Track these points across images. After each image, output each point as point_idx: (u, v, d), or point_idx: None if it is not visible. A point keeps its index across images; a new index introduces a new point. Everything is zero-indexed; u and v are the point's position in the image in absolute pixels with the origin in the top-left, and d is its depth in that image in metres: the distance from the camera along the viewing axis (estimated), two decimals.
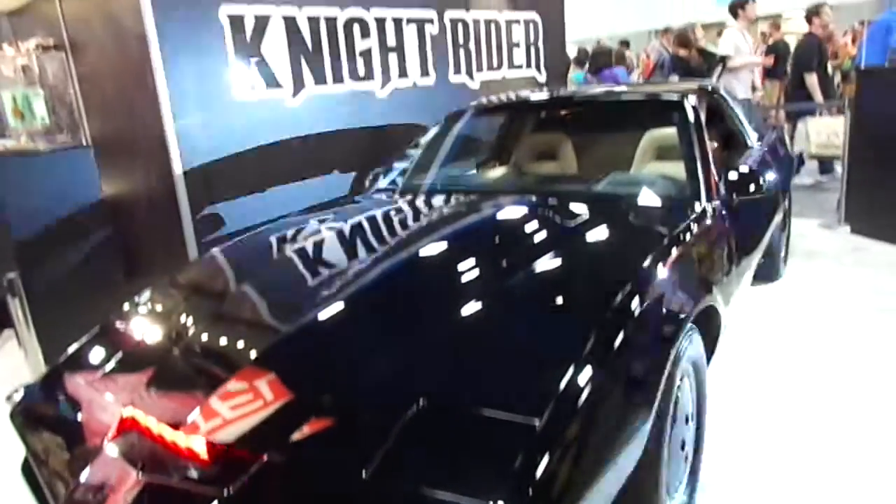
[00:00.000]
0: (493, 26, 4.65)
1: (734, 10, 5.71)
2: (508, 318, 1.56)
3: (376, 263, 1.96)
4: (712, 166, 2.27)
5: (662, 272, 1.69)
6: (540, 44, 5.06)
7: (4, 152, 3.13)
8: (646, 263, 1.69)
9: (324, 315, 1.64)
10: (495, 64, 4.73)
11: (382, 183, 3.04)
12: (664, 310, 1.62)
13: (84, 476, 1.41)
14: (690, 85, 3.00)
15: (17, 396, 3.08)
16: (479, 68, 4.61)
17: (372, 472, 1.14)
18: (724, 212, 2.18)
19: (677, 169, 2.39)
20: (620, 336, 1.41)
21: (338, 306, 1.68)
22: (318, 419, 1.30)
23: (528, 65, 5.00)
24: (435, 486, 1.10)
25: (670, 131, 2.57)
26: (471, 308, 1.60)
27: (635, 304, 1.52)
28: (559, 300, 1.63)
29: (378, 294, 1.78)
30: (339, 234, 2.39)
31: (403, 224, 2.50)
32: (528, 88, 4.83)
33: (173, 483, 1.29)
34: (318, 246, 2.33)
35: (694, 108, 2.46)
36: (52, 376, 1.86)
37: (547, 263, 1.79)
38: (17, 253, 3.10)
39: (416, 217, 2.50)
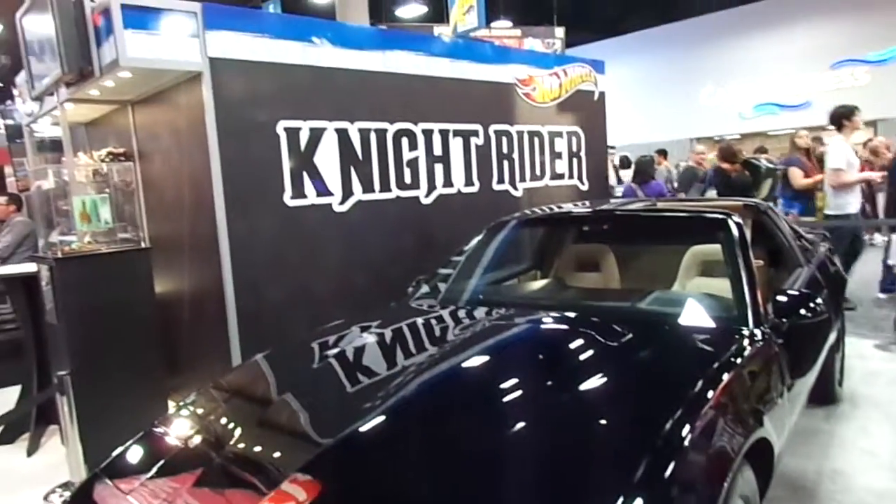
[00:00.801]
0: (536, 138, 4.82)
1: (838, 121, 5.34)
2: (554, 439, 1.53)
3: (418, 375, 1.96)
4: (758, 288, 2.23)
5: (712, 400, 1.64)
6: (582, 154, 5.20)
7: (69, 253, 3.29)
8: (695, 390, 1.65)
9: (367, 427, 1.64)
10: (538, 173, 4.87)
11: (424, 289, 3.08)
12: (714, 442, 1.56)
13: None
14: (736, 202, 3.02)
15: (57, 494, 3.10)
16: (523, 178, 4.74)
17: None
18: (773, 336, 2.13)
19: (723, 286, 2.36)
20: (671, 467, 1.35)
21: (380, 419, 1.68)
22: None
23: (571, 175, 5.13)
24: None
25: (715, 247, 2.57)
26: (514, 428, 1.58)
27: (685, 432, 1.47)
28: (606, 424, 1.59)
29: (420, 408, 1.78)
30: (382, 343, 2.41)
31: (445, 336, 2.52)
32: (570, 199, 4.93)
33: None
34: (362, 355, 2.35)
35: (739, 226, 2.46)
36: (93, 483, 1.85)
37: (592, 384, 1.77)
38: (70, 351, 3.19)
39: (458, 329, 2.51)
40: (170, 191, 3.81)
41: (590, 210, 3.47)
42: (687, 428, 1.48)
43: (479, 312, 2.60)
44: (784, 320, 2.18)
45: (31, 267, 3.69)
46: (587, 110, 5.27)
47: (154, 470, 1.78)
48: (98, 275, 3.27)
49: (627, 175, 8.08)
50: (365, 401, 1.79)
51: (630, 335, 2.13)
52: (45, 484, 3.21)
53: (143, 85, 3.52)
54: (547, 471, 1.41)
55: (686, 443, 1.45)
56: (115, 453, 1.96)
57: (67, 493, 3.05)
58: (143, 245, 3.63)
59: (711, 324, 2.20)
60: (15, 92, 5.87)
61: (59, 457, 3.55)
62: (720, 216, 2.56)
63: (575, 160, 5.19)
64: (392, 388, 1.87)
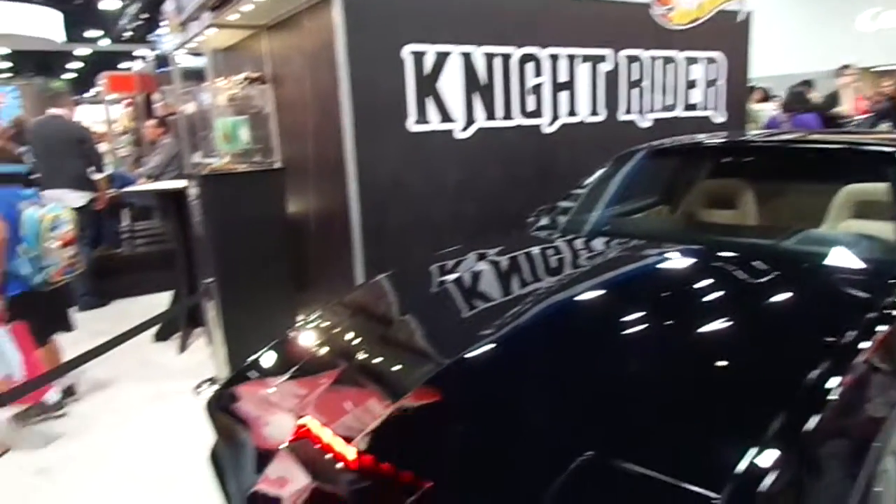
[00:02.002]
0: (669, 65, 4.51)
1: None
2: (681, 382, 1.47)
3: (536, 304, 1.95)
4: None
5: (867, 351, 1.50)
6: (720, 83, 4.82)
7: (213, 171, 3.54)
8: (847, 338, 1.52)
9: (485, 352, 1.66)
10: (669, 103, 4.58)
11: (544, 221, 3.04)
12: (867, 397, 1.44)
13: (263, 473, 1.53)
14: None
15: (205, 388, 3.44)
16: (652, 108, 4.48)
17: None
18: None
19: (882, 229, 2.14)
20: (814, 420, 1.26)
21: (498, 345, 1.69)
22: (481, 456, 1.32)
23: (706, 105, 4.78)
24: None
25: (877, 186, 2.31)
26: (638, 366, 1.54)
27: (832, 384, 1.36)
28: (741, 370, 1.50)
29: (537, 337, 1.77)
30: (501, 270, 2.42)
31: (566, 266, 2.48)
32: (704, 131, 4.61)
33: (340, 493, 1.36)
34: (482, 280, 2.37)
35: None
36: (241, 377, 2.04)
37: (726, 325, 1.67)
38: (214, 261, 3.48)
39: (580, 260, 2.47)
40: (301, 114, 3.95)
41: (728, 141, 3.23)
42: (835, 380, 1.37)
43: (602, 244, 2.53)
44: None
45: (181, 184, 4.02)
46: (729, 33, 4.83)
47: (290, 372, 1.93)
48: (238, 192, 3.50)
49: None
50: (484, 325, 1.81)
51: (773, 275, 1.99)
52: (194, 377, 3.59)
53: (278, 8, 3.62)
54: (673, 411, 1.36)
55: (833, 396, 1.34)
56: (256, 355, 2.13)
57: (214, 387, 3.39)
58: (276, 166, 3.83)
59: (870, 267, 1.98)
60: (162, 22, 6.24)
61: (205, 355, 3.95)
62: (891, 149, 2.29)
63: (712, 89, 4.81)
64: (511, 315, 1.87)
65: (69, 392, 3.47)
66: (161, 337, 4.39)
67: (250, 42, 4.43)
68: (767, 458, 1.16)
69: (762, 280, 1.99)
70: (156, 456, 2.85)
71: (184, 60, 5.22)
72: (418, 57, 3.49)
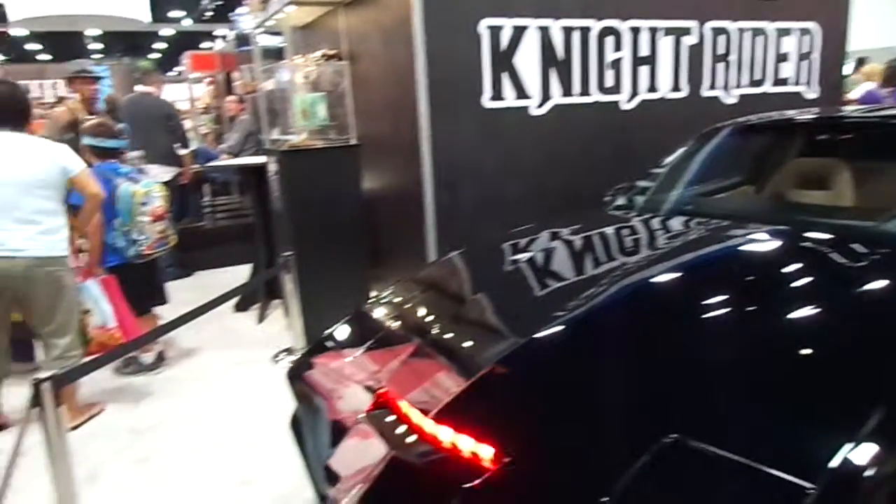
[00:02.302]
0: (759, 37, 4.28)
1: None
2: (771, 368, 1.39)
3: (612, 284, 1.90)
4: None
5: None
6: (814, 56, 4.53)
7: (292, 147, 3.63)
8: None
9: (560, 331, 1.64)
10: (757, 78, 4.35)
11: (621, 200, 2.96)
12: None
13: (342, 440, 1.58)
14: None
15: (282, 359, 3.57)
16: (738, 83, 4.27)
17: (612, 499, 1.11)
18: None
19: None
20: None
21: (573, 324, 1.66)
22: (558, 432, 1.31)
23: (798, 80, 4.52)
24: None
25: None
26: (724, 350, 1.47)
27: None
28: (838, 358, 1.41)
29: (614, 318, 1.72)
30: (575, 249, 2.38)
31: (644, 246, 2.41)
32: (794, 108, 4.36)
33: (418, 465, 1.38)
34: (554, 260, 2.34)
35: None
36: (320, 347, 2.09)
37: (820, 311, 1.58)
38: (293, 235, 3.58)
39: (659, 240, 2.39)
40: (376, 91, 3.99)
41: (821, 117, 3.04)
42: None
43: (683, 224, 2.44)
44: None
45: (261, 159, 4.14)
46: (826, 2, 4.53)
47: (366, 345, 1.97)
48: (316, 168, 3.58)
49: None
50: (559, 304, 1.78)
51: (872, 258, 1.87)
52: (272, 347, 3.73)
53: None
54: (763, 397, 1.30)
55: None
56: (333, 327, 2.18)
57: (291, 356, 3.52)
58: (352, 142, 3.88)
59: None
60: (242, 2, 6.40)
61: (282, 326, 4.09)
62: None
63: (805, 63, 4.53)
64: (587, 295, 1.83)
65: (160, 357, 3.68)
66: (241, 308, 4.57)
67: (327, 19, 4.48)
68: (866, 452, 1.09)
69: (860, 263, 1.87)
70: (237, 420, 2.99)
71: (263, 39, 5.35)
72: (495, 31, 3.44)
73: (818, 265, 1.89)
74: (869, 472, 1.07)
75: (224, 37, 10.88)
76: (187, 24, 23.15)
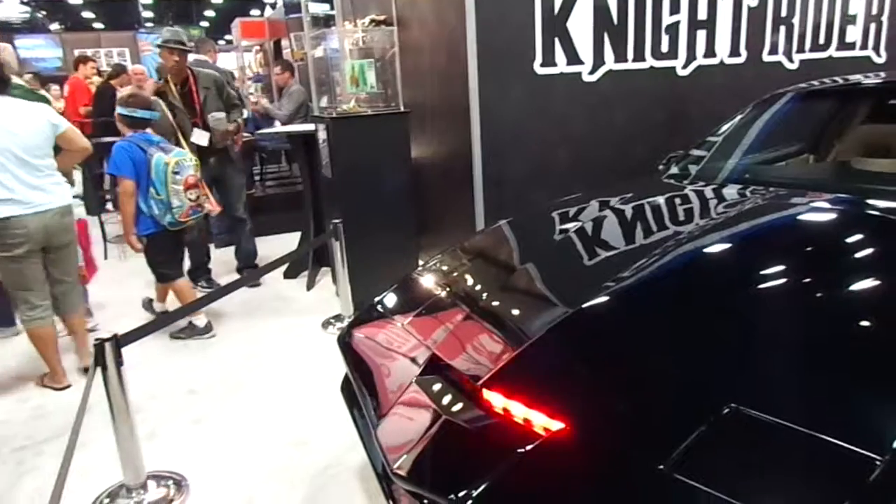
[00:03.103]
0: None
1: None
2: (834, 339, 1.36)
3: (666, 253, 1.86)
4: None
5: None
6: (884, 18, 4.29)
7: (342, 113, 3.65)
8: None
9: (613, 301, 1.62)
10: (821, 42, 4.15)
11: (675, 169, 2.89)
12: None
13: (395, 404, 1.61)
14: None
15: (332, 325, 3.64)
16: (801, 48, 4.08)
17: (669, 467, 1.11)
18: None
19: None
20: None
21: (626, 294, 1.64)
22: (616, 402, 1.31)
23: (865, 44, 4.29)
24: (741, 497, 1.02)
25: None
26: (785, 320, 1.44)
27: None
28: None
29: (668, 288, 1.70)
30: (628, 218, 2.33)
31: (699, 215, 2.35)
32: (862, 72, 4.15)
33: (471, 430, 1.40)
34: (605, 229, 2.31)
35: None
36: (371, 312, 2.13)
37: (885, 282, 1.53)
38: (342, 202, 3.62)
39: (714, 208, 2.33)
40: (425, 57, 3.96)
41: (887, 81, 2.88)
42: None
43: (739, 193, 2.37)
44: None
45: (309, 127, 4.18)
46: None
47: (415, 312, 1.99)
48: (364, 135, 3.60)
49: None
50: (610, 274, 1.76)
51: None
52: (321, 314, 3.81)
53: None
54: (825, 368, 1.27)
55: None
56: (382, 295, 2.21)
57: (340, 323, 3.59)
58: (401, 109, 3.87)
59: None
60: None
61: (330, 293, 4.17)
62: None
63: (873, 25, 4.30)
64: (640, 265, 1.80)
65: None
66: (290, 275, 4.67)
67: None
68: None
69: None
70: (289, 384, 3.08)
71: (312, 6, 5.35)
72: None
73: (882, 234, 1.82)
74: None
75: (273, 4, 10.91)
76: None
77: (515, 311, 1.85)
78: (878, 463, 1.00)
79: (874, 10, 4.26)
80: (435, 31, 3.76)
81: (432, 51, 3.84)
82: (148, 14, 23.67)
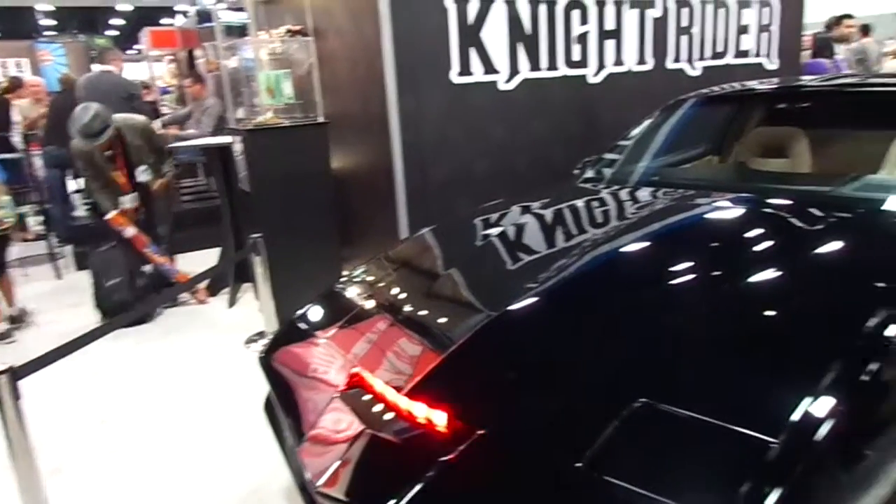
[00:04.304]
0: (721, 9, 4.31)
1: None
2: (735, 330, 1.45)
3: (582, 256, 1.93)
4: None
5: None
6: (774, 28, 4.60)
7: (258, 125, 3.57)
8: None
9: (533, 303, 1.67)
10: (720, 50, 4.40)
11: (589, 173, 2.99)
12: None
13: (317, 420, 1.59)
14: None
15: (255, 342, 3.55)
16: (702, 55, 4.32)
17: (585, 464, 1.14)
18: None
19: None
20: (873, 367, 1.25)
21: (545, 296, 1.69)
22: (531, 403, 1.34)
23: (758, 52, 4.58)
24: (651, 488, 1.07)
25: None
26: (690, 314, 1.52)
27: (892, 331, 1.33)
28: (797, 317, 1.48)
29: (585, 288, 1.76)
30: (546, 222, 2.40)
31: (612, 217, 2.45)
32: (757, 78, 4.43)
33: (394, 441, 1.40)
34: (525, 233, 2.36)
35: None
36: (292, 329, 2.09)
37: (779, 273, 1.64)
38: (262, 216, 3.54)
39: (627, 211, 2.43)
40: (343, 67, 3.93)
41: (781, 87, 3.10)
42: (894, 328, 1.34)
43: (650, 195, 2.48)
44: None
45: (225, 139, 4.07)
46: None
47: (339, 324, 1.97)
48: (283, 147, 3.54)
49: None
50: (531, 277, 1.81)
51: (828, 222, 1.94)
52: (244, 331, 3.71)
53: None
54: (728, 358, 1.35)
55: (893, 343, 1.31)
56: (304, 308, 2.18)
57: (264, 340, 3.50)
58: (320, 120, 3.83)
59: None
60: None
61: (254, 310, 4.06)
62: None
63: (764, 35, 4.59)
64: (557, 267, 1.86)
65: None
66: (210, 292, 4.52)
67: None
68: (824, 406, 1.14)
69: (817, 227, 1.94)
70: (210, 405, 2.98)
71: (225, 15, 5.22)
72: (461, 5, 3.42)
73: (778, 230, 1.95)
74: (827, 424, 1.12)
75: (185, 13, 10.57)
76: None
77: (438, 319, 1.86)
78: (773, 444, 1.07)
79: (765, 21, 4.55)
80: (352, 41, 3.74)
81: (350, 61, 3.82)
82: (49, 22, 22.43)
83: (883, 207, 1.97)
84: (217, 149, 4.18)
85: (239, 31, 5.26)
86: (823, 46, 6.16)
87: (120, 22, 23.75)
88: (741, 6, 4.41)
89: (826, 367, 1.22)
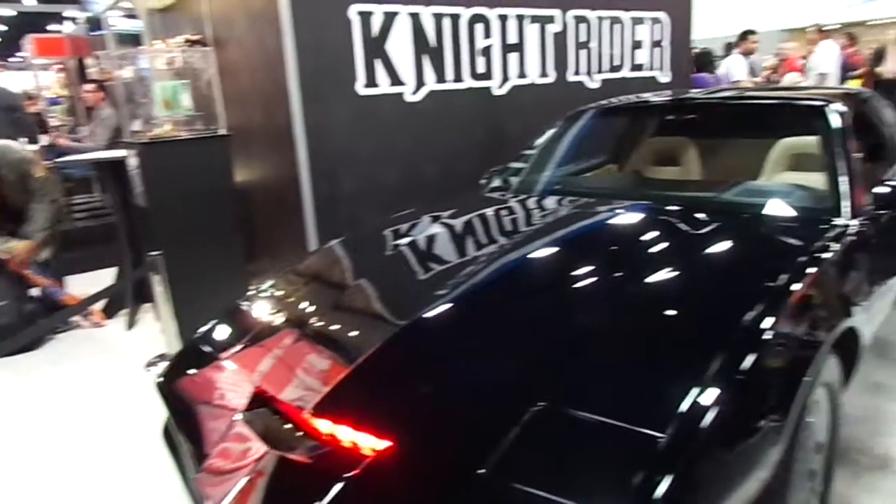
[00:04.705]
0: (616, 25, 4.53)
1: None
2: (628, 330, 1.52)
3: (489, 264, 1.98)
4: (859, 180, 2.10)
5: (798, 291, 1.59)
6: (665, 44, 4.87)
7: (153, 138, 3.41)
8: (780, 281, 1.60)
9: (439, 312, 1.68)
10: (617, 64, 4.61)
11: (496, 182, 3.05)
12: (798, 332, 1.53)
13: (218, 445, 1.52)
14: (835, 90, 2.79)
15: (156, 365, 3.37)
16: (600, 69, 4.51)
17: (488, 471, 1.16)
18: (869, 228, 2.02)
19: (814, 180, 2.24)
20: (750, 358, 1.33)
21: (452, 305, 1.71)
22: (437, 413, 1.34)
23: (651, 66, 4.84)
24: (550, 489, 1.10)
25: (809, 140, 2.41)
26: (587, 317, 1.58)
27: (767, 324, 1.43)
28: (683, 315, 1.57)
29: (491, 296, 1.80)
30: (453, 232, 2.43)
31: (517, 225, 2.51)
32: (652, 90, 4.68)
33: (297, 460, 1.36)
34: (433, 243, 2.38)
35: (841, 114, 2.29)
36: (191, 350, 2.00)
37: (668, 275, 1.74)
38: (160, 233, 3.37)
39: (531, 219, 2.50)
40: (245, 78, 3.83)
41: (671, 99, 3.29)
42: (769, 320, 1.44)
43: (553, 203, 2.57)
44: (883, 212, 2.06)
45: (119, 153, 3.86)
46: None
47: (243, 342, 1.90)
48: (182, 160, 3.39)
49: None
50: (438, 286, 1.82)
51: (712, 225, 2.07)
52: (144, 354, 3.50)
53: None
54: (621, 358, 1.42)
55: (767, 335, 1.41)
56: (206, 327, 2.10)
57: (165, 362, 3.33)
58: (221, 132, 3.71)
59: (802, 215, 2.09)
60: None
61: (154, 331, 3.86)
62: (819, 104, 2.38)
63: (657, 50, 4.87)
64: (465, 275, 1.89)
65: None
66: (108, 314, 4.26)
67: (189, 2, 4.24)
68: (708, 396, 1.22)
69: (703, 231, 2.07)
70: (106, 436, 2.80)
71: (118, 22, 4.98)
72: (365, 17, 3.41)
73: (669, 235, 2.06)
74: (712, 414, 1.18)
75: (74, 19, 9.98)
76: (30, 4, 20.99)
77: (346, 331, 1.84)
78: (660, 439, 1.12)
79: (657, 37, 4.82)
80: (254, 52, 3.65)
81: (253, 72, 3.73)
82: None
83: (762, 212, 2.13)
84: (110, 163, 3.95)
85: (134, 40, 5.03)
86: (706, 62, 6.60)
87: (1, 28, 22.14)
88: (635, 23, 4.65)
89: (709, 361, 1.30)
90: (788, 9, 14.05)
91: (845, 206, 2.03)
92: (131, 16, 5.17)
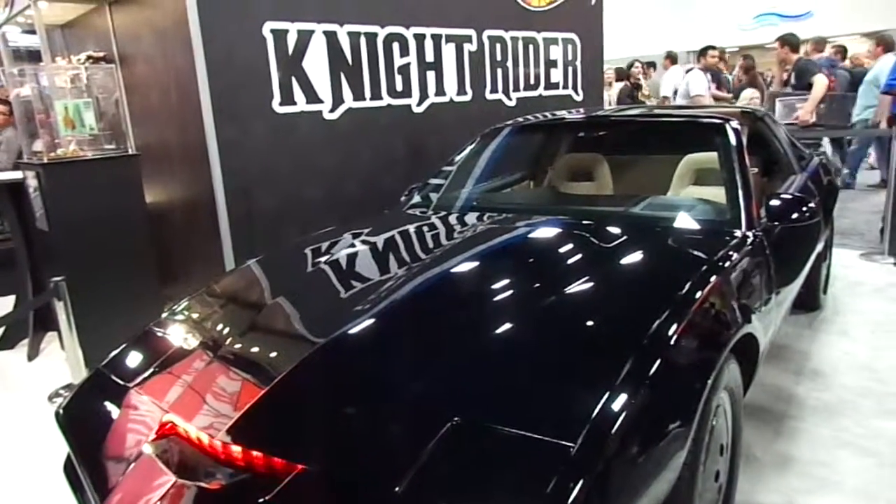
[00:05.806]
0: (531, 45, 4.68)
1: None
2: (542, 341, 1.55)
3: (408, 280, 1.97)
4: (753, 193, 2.24)
5: (701, 299, 1.67)
6: (578, 63, 5.07)
7: (56, 159, 3.24)
8: (683, 290, 1.68)
9: (358, 329, 1.65)
10: (532, 83, 4.76)
11: (416, 199, 3.07)
12: (702, 337, 1.60)
13: (124, 477, 1.44)
14: (734, 108, 2.98)
15: (60, 396, 3.17)
16: (517, 87, 4.64)
17: (404, 489, 1.15)
18: (764, 239, 2.15)
19: (717, 194, 2.36)
20: (656, 364, 1.39)
21: (370, 321, 1.69)
22: (352, 432, 1.32)
23: (566, 84, 5.02)
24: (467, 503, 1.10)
25: (710, 155, 2.55)
26: (503, 330, 1.60)
27: (672, 331, 1.50)
28: (593, 325, 1.62)
29: (409, 312, 1.79)
30: (373, 249, 2.41)
31: (437, 242, 2.52)
32: (567, 108, 4.84)
33: (210, 488, 1.31)
34: (352, 260, 2.35)
35: (736, 131, 2.44)
36: (96, 379, 1.90)
37: (581, 287, 1.78)
38: (63, 257, 3.19)
39: (450, 235, 2.51)
40: (155, 96, 3.71)
41: (584, 117, 3.41)
42: (674, 326, 1.51)
43: (472, 219, 2.60)
44: (776, 223, 2.20)
45: (16, 174, 3.63)
46: (584, 16, 5.09)
47: (152, 368, 1.82)
48: (87, 182, 3.23)
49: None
50: (358, 303, 1.81)
51: (622, 238, 2.15)
52: (47, 386, 3.29)
53: None
54: (533, 370, 1.44)
55: (672, 340, 1.47)
56: (113, 353, 1.99)
57: (69, 393, 3.13)
58: (130, 152, 3.56)
59: (704, 227, 2.21)
60: None
61: (59, 361, 3.62)
62: (718, 121, 2.53)
63: (570, 69, 5.06)
64: (384, 292, 1.87)
65: None
66: (6, 345, 3.98)
67: (93, 17, 4.08)
68: (617, 402, 1.25)
69: (615, 243, 2.14)
70: (5, 473, 2.60)
71: (14, 37, 4.71)
72: (280, 35, 3.37)
73: (581, 248, 2.13)
74: (620, 420, 1.22)
75: None
76: None
77: (262, 352, 1.79)
78: (571, 448, 1.15)
79: (569, 57, 5.01)
80: (163, 69, 3.54)
81: (163, 90, 3.61)
82: None
83: (668, 225, 2.24)
84: (6, 185, 3.71)
85: (33, 56, 4.78)
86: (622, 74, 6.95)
87: None
88: (549, 43, 4.81)
89: (619, 369, 1.34)
90: (682, 33, 14.86)
91: (741, 218, 2.15)
92: (31, 31, 4.91)
